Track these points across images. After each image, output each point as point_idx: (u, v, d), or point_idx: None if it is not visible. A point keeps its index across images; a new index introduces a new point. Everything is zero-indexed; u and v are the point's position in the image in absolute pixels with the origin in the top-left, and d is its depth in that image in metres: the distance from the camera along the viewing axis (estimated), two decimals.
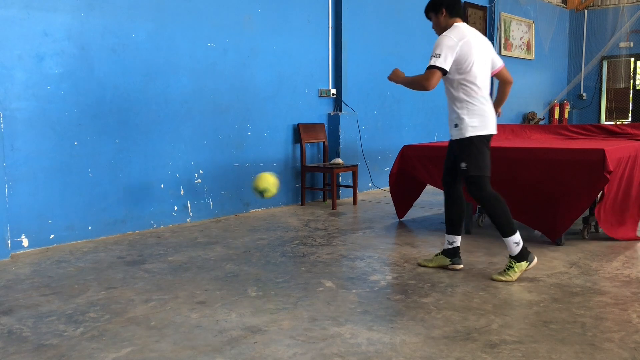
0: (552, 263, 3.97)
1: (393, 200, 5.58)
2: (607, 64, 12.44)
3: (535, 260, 3.60)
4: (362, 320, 2.93)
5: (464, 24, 3.67)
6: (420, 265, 3.93)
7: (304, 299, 3.24)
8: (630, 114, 12.15)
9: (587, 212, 4.88)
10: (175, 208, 5.39)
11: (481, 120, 3.58)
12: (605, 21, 12.12)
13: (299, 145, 6.56)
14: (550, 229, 4.45)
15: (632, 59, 12.27)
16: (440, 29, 3.71)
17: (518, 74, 10.89)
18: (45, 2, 4.42)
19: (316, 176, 6.84)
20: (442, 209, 5.98)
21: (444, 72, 3.51)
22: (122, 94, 4.92)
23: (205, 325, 2.86)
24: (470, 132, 3.57)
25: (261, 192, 3.90)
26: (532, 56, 11.25)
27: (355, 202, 6.60)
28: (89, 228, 4.76)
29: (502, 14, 10.26)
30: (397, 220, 5.58)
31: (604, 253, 4.24)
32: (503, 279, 3.54)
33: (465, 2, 9.31)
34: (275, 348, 2.58)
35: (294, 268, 3.91)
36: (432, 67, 3.50)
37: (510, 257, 3.56)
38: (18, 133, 4.32)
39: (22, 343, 2.67)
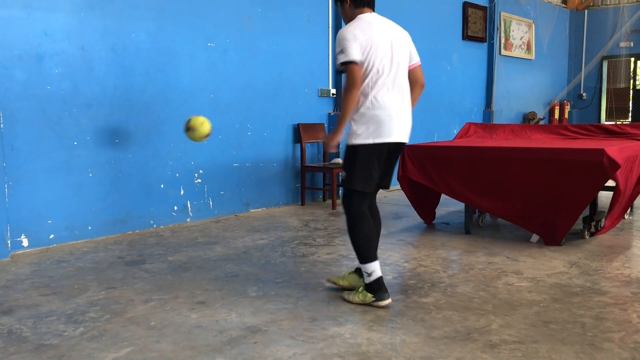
0: (552, 263, 3.97)
1: (412, 204, 5.38)
2: (607, 64, 12.44)
3: (387, 301, 3.09)
4: (362, 320, 2.92)
5: (371, 14, 3.22)
6: (329, 281, 3.47)
7: (304, 299, 3.24)
8: (630, 114, 12.15)
9: (587, 212, 4.88)
10: (175, 208, 5.39)
11: (370, 127, 3.09)
12: (605, 21, 12.11)
13: (299, 145, 6.56)
14: (550, 234, 4.44)
15: (632, 59, 12.26)
16: (346, 19, 3.29)
17: (518, 74, 10.89)
18: (45, 2, 4.42)
19: (316, 176, 6.84)
20: (445, 208, 5.99)
21: (357, 62, 3.04)
22: (122, 94, 4.91)
23: (205, 325, 2.86)
24: (355, 140, 3.11)
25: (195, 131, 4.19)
26: (532, 56, 11.25)
27: None
28: (89, 228, 4.76)
29: (502, 14, 10.25)
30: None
31: (604, 253, 4.24)
32: (346, 297, 3.22)
33: (465, 2, 9.31)
34: (275, 348, 2.58)
35: (294, 268, 3.91)
36: (346, 64, 3.04)
37: (364, 282, 3.18)
38: (18, 133, 4.32)
39: (22, 343, 2.67)
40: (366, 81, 3.10)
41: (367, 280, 3.13)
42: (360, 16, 3.20)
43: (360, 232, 3.14)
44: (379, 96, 3.10)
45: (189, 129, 4.21)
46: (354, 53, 3.04)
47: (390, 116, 3.11)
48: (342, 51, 3.05)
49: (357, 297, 3.17)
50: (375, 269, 3.12)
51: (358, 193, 3.15)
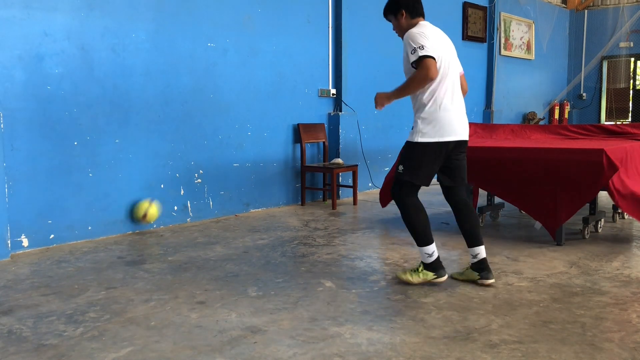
0: (552, 263, 3.97)
1: (381, 190, 5.37)
2: (607, 64, 12.44)
3: (445, 277, 3.46)
4: (362, 320, 2.93)
5: (429, 23, 3.45)
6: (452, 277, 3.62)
7: (304, 299, 3.24)
8: (630, 114, 12.16)
9: (587, 212, 4.88)
10: (175, 208, 5.39)
11: (436, 126, 3.33)
12: (605, 21, 12.12)
13: (299, 145, 6.56)
14: (550, 221, 4.43)
15: (632, 59, 12.27)
16: (403, 30, 3.47)
17: (518, 74, 10.90)
18: (45, 2, 4.42)
19: (316, 176, 6.84)
20: (445, 208, 6.00)
21: (434, 58, 3.22)
22: (122, 94, 4.91)
23: (205, 325, 2.86)
24: (419, 138, 3.35)
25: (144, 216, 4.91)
26: (532, 56, 11.25)
27: (355, 202, 6.60)
28: (89, 228, 4.76)
29: (502, 14, 10.26)
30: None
31: (604, 253, 4.24)
32: (404, 277, 3.47)
33: (465, 2, 9.31)
34: (275, 348, 2.58)
35: (294, 268, 3.91)
36: (424, 57, 3.19)
37: (422, 262, 3.49)
38: (18, 133, 4.32)
39: (22, 343, 2.67)
40: (435, 83, 3.32)
41: (428, 260, 3.44)
42: (422, 22, 3.43)
43: (413, 220, 3.43)
44: (444, 98, 3.35)
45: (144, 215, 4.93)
46: (432, 50, 3.22)
47: (453, 117, 3.37)
48: (422, 47, 3.21)
49: (418, 276, 3.46)
50: (434, 249, 3.45)
51: (408, 185, 3.43)
